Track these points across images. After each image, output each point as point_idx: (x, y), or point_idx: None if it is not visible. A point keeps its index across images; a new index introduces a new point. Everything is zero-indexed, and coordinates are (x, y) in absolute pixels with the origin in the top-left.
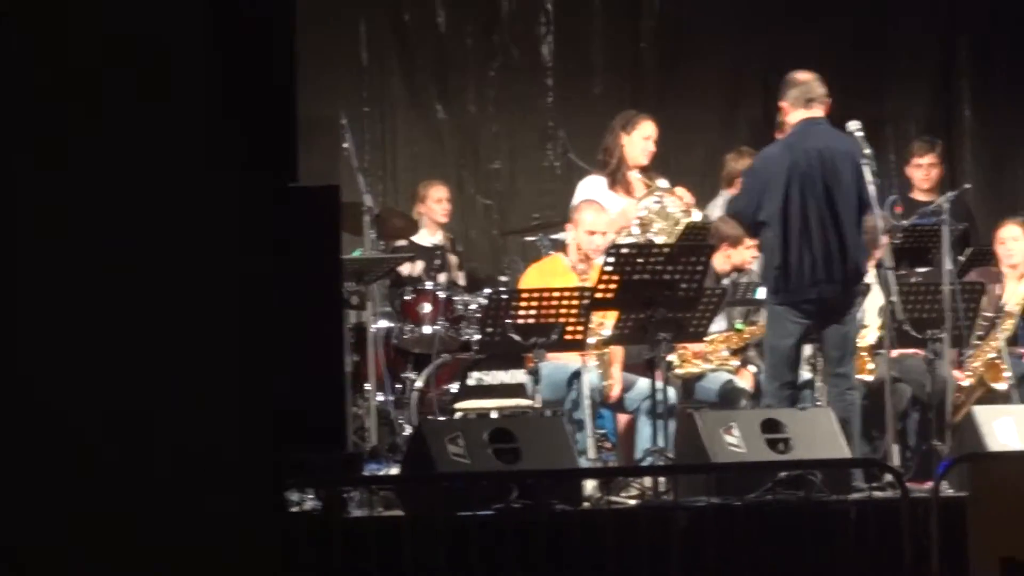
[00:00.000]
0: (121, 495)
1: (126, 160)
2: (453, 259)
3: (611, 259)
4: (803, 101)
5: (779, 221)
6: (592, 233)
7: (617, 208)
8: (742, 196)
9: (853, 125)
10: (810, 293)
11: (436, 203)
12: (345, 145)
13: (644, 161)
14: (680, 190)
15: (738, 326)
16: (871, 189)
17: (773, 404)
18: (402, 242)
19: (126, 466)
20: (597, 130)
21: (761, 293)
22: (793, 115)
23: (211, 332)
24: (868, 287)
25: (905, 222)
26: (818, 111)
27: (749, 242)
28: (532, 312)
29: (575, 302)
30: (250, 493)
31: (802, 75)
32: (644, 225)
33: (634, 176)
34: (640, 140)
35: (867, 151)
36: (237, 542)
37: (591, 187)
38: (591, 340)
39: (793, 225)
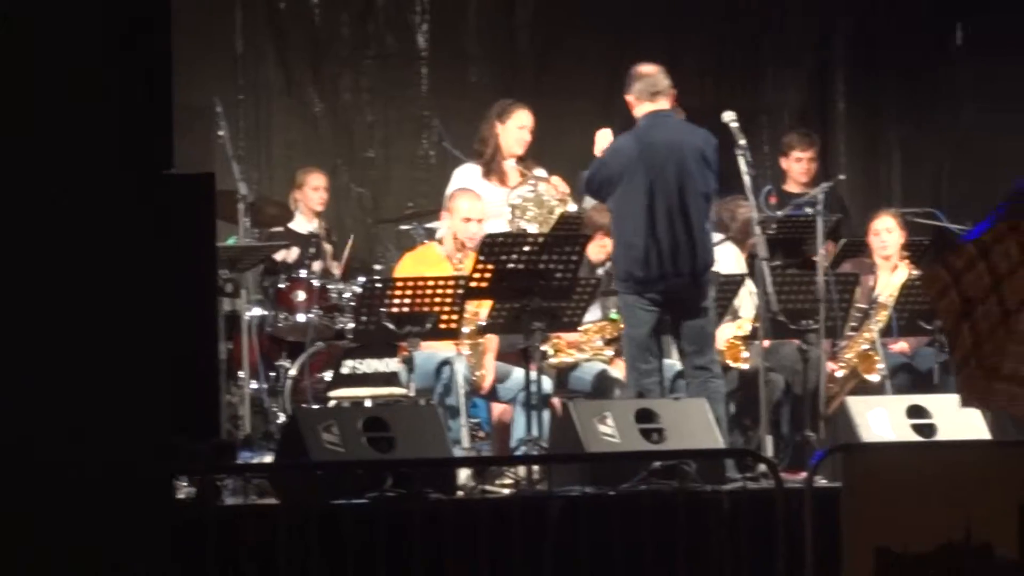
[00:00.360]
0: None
1: None
2: (328, 248)
3: (485, 248)
4: (648, 94)
5: (627, 213)
6: (467, 221)
7: (492, 197)
8: (593, 184)
9: (728, 116)
10: (658, 285)
11: (313, 191)
12: (220, 133)
13: (519, 150)
14: (555, 179)
15: (613, 316)
16: (746, 180)
17: (634, 393)
18: (278, 229)
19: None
20: (472, 119)
21: None
22: (639, 108)
23: (85, 320)
24: (743, 278)
25: (780, 213)
26: (664, 103)
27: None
28: (406, 301)
29: (449, 291)
30: (134, 483)
31: (646, 68)
32: (518, 211)
33: (509, 165)
34: (515, 129)
35: (742, 142)
36: (124, 533)
37: (466, 176)
38: (465, 329)
39: (640, 217)
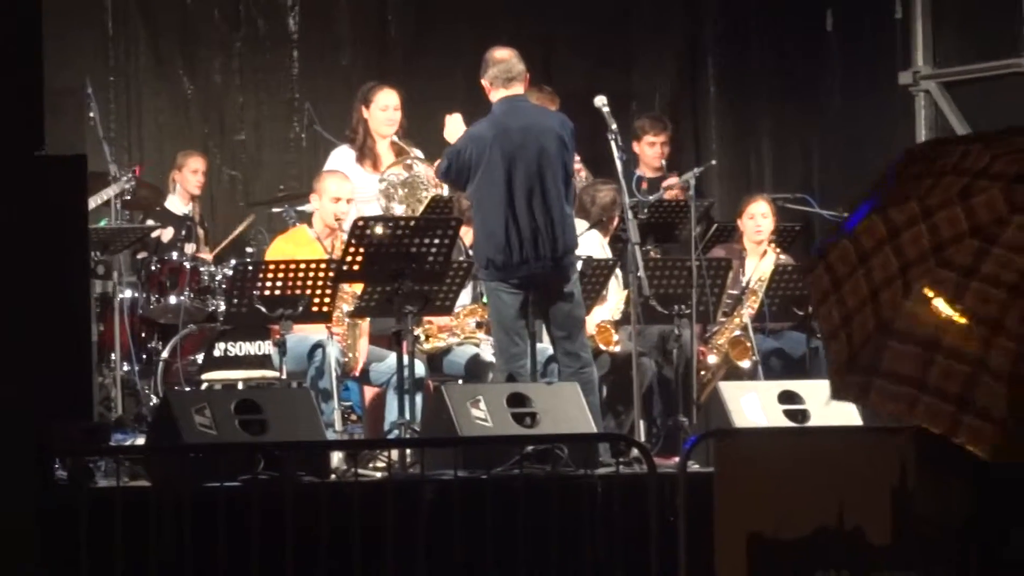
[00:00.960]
0: None
1: None
2: (201, 233)
3: (356, 231)
4: (503, 80)
5: (486, 199)
6: (336, 200)
7: (365, 181)
8: (451, 173)
9: (600, 100)
10: (519, 271)
11: (192, 173)
12: (91, 115)
13: (388, 131)
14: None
15: (485, 299)
16: (618, 165)
17: (503, 377)
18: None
19: None
20: (345, 102)
21: None
22: (495, 94)
23: None
24: (614, 263)
25: (652, 197)
26: (518, 88)
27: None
28: (278, 284)
29: (321, 274)
30: (10, 466)
31: (501, 52)
32: (385, 194)
33: (383, 147)
34: (379, 111)
35: (613, 126)
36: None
37: (340, 159)
38: (337, 312)
39: (499, 203)
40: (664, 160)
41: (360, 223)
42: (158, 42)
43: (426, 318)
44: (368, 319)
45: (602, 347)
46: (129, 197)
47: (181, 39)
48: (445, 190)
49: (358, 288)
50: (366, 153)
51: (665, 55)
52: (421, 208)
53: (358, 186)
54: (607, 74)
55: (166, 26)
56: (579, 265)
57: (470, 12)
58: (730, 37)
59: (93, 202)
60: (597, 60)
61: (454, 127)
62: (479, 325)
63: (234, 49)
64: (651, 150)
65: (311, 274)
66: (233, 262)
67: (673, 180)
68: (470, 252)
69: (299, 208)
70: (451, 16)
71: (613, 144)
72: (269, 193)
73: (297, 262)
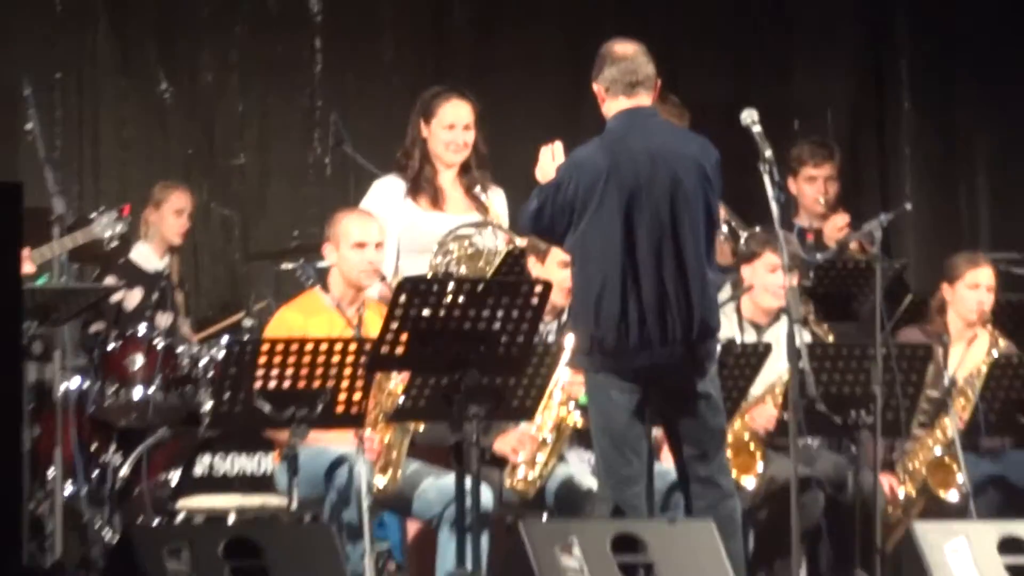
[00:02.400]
0: None
1: None
2: (180, 298)
3: (402, 297)
4: (624, 84)
5: (594, 256)
6: (361, 246)
7: (422, 225)
8: (543, 220)
9: (749, 116)
10: (639, 359)
11: (174, 215)
12: (29, 126)
13: (454, 159)
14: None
15: (583, 400)
16: (774, 208)
17: (608, 510)
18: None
19: None
20: (388, 112)
21: None
22: (612, 104)
23: None
24: (767, 348)
25: (820, 256)
26: (645, 98)
27: (561, 256)
28: (287, 372)
29: (349, 359)
30: None
31: (622, 47)
32: (443, 250)
33: (447, 179)
34: (443, 131)
35: (767, 153)
36: None
37: (385, 193)
38: (371, 415)
39: (613, 260)
40: (824, 198)
41: (407, 285)
42: (125, 27)
43: (499, 425)
44: (415, 425)
45: (743, 477)
46: (115, 245)
47: (157, 22)
48: (523, 242)
49: (400, 380)
50: (423, 186)
51: (840, 56)
52: (491, 271)
53: (412, 231)
54: (758, 81)
55: (136, 4)
56: (718, 352)
57: None
58: (932, 30)
59: (41, 255)
60: (740, 60)
61: (550, 165)
62: (557, 430)
63: (231, 36)
64: (811, 187)
65: (335, 359)
66: (225, 340)
67: (842, 220)
68: (551, 324)
69: (321, 264)
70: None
71: (767, 178)
72: (279, 242)
73: (316, 341)
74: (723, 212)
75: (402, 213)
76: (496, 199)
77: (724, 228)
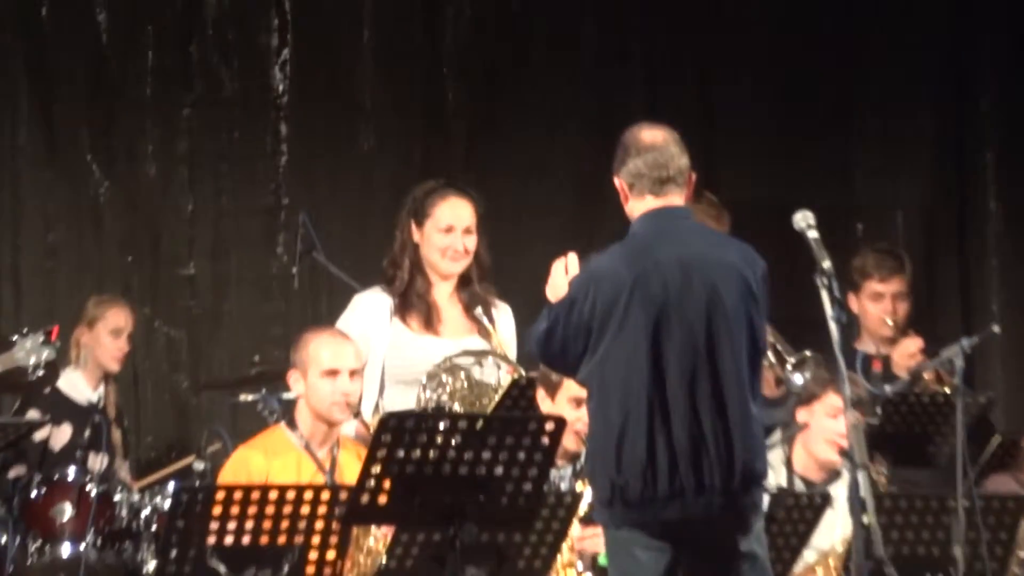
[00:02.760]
0: None
1: None
2: (117, 436)
3: (385, 436)
4: (652, 181)
5: (614, 388)
6: (333, 375)
7: (413, 349)
8: (553, 344)
9: (802, 219)
10: (669, 511)
11: (112, 336)
12: None
13: (452, 268)
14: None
15: (601, 560)
16: (833, 330)
17: None
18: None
19: None
20: (367, 214)
21: None
22: (637, 204)
23: None
24: (825, 497)
25: (888, 388)
26: (677, 197)
27: (576, 390)
28: (248, 525)
29: (320, 509)
30: None
31: (650, 134)
32: (433, 381)
33: (442, 294)
34: (438, 235)
35: (826, 264)
36: None
37: (366, 311)
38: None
39: (636, 393)
40: (893, 318)
41: (391, 422)
42: (52, 101)
43: None
44: None
45: None
46: (40, 374)
47: (91, 96)
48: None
49: (383, 536)
50: (413, 303)
51: (912, 146)
52: (491, 404)
53: (399, 357)
54: (818, 178)
55: (66, 75)
56: (766, 503)
57: (583, 64)
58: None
59: None
60: (791, 151)
61: (563, 280)
62: None
63: (179, 118)
64: (877, 306)
65: (304, 510)
66: (171, 486)
67: (914, 345)
68: (565, 471)
69: (287, 396)
70: (548, 69)
71: (824, 294)
72: (236, 369)
73: (281, 488)
74: (769, 334)
75: (387, 335)
76: (503, 320)
77: (769, 353)
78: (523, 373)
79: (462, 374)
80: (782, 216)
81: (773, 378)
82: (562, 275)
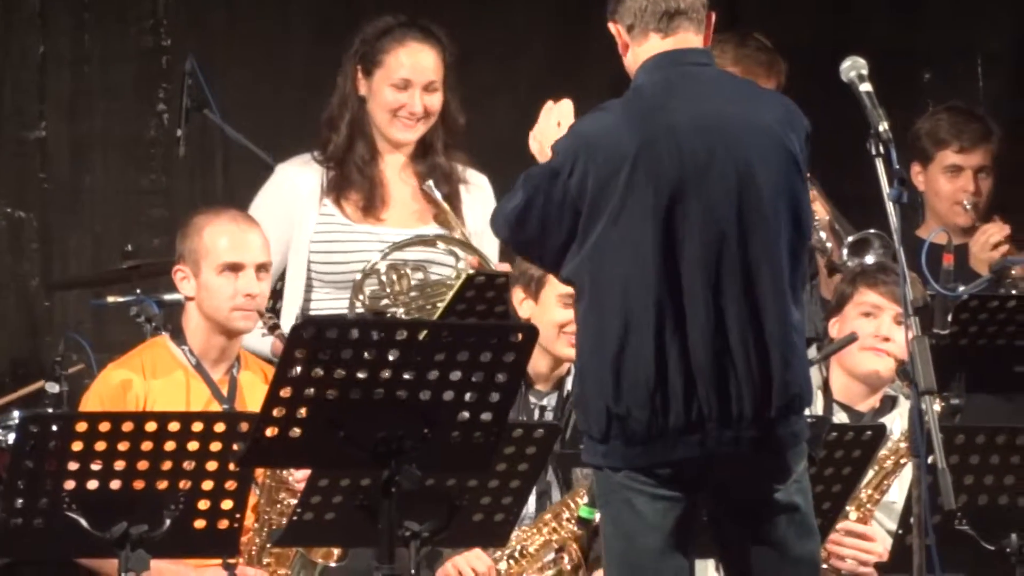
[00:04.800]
0: None
1: None
2: None
3: (297, 347)
4: (656, 17)
5: (611, 286)
6: (235, 271)
7: (349, 244)
8: (528, 228)
9: (851, 68)
10: (683, 449)
11: None
12: None
13: (406, 137)
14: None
15: (584, 512)
16: (891, 213)
17: None
18: None
19: None
20: (284, 58)
21: None
22: (636, 50)
23: None
24: (879, 430)
25: (963, 290)
26: (691, 35)
27: (564, 289)
28: (118, 466)
29: (213, 447)
30: None
31: None
32: (371, 280)
33: (392, 170)
34: (391, 90)
35: (882, 127)
36: None
37: (287, 188)
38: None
39: (641, 295)
40: (973, 200)
41: (307, 332)
42: None
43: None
44: (321, 553)
45: None
46: None
47: None
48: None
49: (297, 482)
50: (352, 178)
51: None
52: (440, 309)
53: (329, 250)
54: (862, 15)
55: None
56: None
57: None
58: None
59: None
60: None
61: (554, 132)
62: (560, 551)
63: None
64: (951, 183)
65: (192, 446)
66: (16, 415)
67: (999, 233)
68: (545, 399)
69: (169, 297)
70: None
71: (880, 166)
72: (101, 262)
73: (162, 417)
74: (820, 207)
75: (314, 221)
76: (475, 203)
77: (821, 234)
78: (490, 266)
79: (408, 270)
80: (828, 64)
81: (825, 266)
82: (553, 127)
